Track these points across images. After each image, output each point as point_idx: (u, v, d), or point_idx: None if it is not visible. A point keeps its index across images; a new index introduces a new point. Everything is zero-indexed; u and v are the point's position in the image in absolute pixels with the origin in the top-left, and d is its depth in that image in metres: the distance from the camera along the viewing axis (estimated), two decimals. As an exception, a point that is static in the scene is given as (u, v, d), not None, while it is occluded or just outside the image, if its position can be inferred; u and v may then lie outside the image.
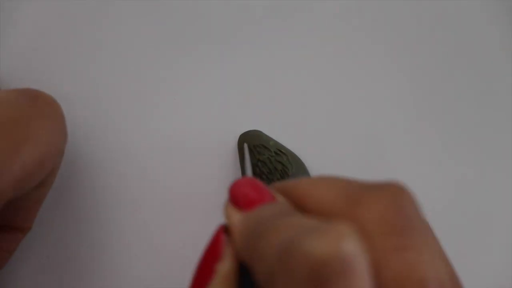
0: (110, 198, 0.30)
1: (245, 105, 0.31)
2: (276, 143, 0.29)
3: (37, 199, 0.26)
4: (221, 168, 0.30)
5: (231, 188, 0.20)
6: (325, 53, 0.31)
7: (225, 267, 0.18)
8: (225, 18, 0.31)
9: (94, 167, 0.30)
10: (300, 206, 0.18)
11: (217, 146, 0.30)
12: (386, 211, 0.16)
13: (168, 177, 0.30)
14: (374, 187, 0.16)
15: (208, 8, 0.31)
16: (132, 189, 0.30)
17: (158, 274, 0.29)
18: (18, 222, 0.27)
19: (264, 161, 0.28)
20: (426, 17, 0.31)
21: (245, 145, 0.29)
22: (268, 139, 0.29)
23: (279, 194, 0.19)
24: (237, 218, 0.19)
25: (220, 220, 0.29)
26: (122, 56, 0.31)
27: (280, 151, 0.29)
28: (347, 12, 0.31)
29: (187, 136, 0.30)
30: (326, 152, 0.30)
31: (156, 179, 0.30)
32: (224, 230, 0.20)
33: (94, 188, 0.30)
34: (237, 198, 0.19)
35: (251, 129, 0.30)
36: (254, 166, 0.28)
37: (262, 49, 0.31)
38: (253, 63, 0.31)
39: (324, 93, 0.31)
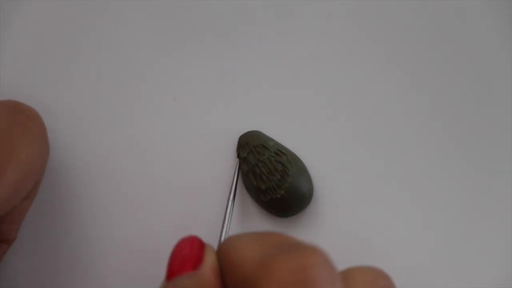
0: (100, 202, 0.30)
1: (245, 105, 0.31)
2: (276, 143, 0.29)
3: (20, 211, 0.27)
4: (220, 169, 0.30)
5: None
6: (325, 53, 0.31)
7: None
8: (224, 18, 0.31)
9: (82, 171, 0.30)
10: (229, 268, 0.18)
11: (217, 146, 0.30)
12: (288, 275, 0.15)
13: (167, 179, 0.30)
14: (285, 250, 0.16)
15: (207, 9, 0.31)
16: (126, 193, 0.30)
17: (150, 279, 0.29)
18: (3, 234, 0.27)
19: (264, 161, 0.28)
20: (426, 17, 0.31)
21: (237, 161, 0.29)
22: (268, 139, 0.29)
23: (213, 254, 0.19)
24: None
25: (219, 223, 0.29)
26: (121, 56, 0.31)
27: (280, 151, 0.29)
28: (347, 12, 0.31)
29: (187, 136, 0.30)
30: (326, 152, 0.30)
31: (153, 181, 0.30)
32: None
33: (81, 192, 0.30)
34: (168, 264, 0.20)
35: (251, 129, 0.30)
36: (254, 166, 0.28)
37: (262, 49, 0.31)
38: (253, 63, 0.31)
39: (325, 93, 0.31)
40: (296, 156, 0.29)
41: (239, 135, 0.30)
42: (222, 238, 0.26)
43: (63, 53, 0.31)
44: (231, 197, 0.28)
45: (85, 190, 0.30)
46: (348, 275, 0.18)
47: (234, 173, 0.29)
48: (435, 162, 0.30)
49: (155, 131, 0.30)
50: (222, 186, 0.30)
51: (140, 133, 0.30)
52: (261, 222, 0.29)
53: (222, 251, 0.19)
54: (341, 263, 0.20)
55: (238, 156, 0.29)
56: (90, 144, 0.30)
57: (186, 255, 0.19)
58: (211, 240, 0.29)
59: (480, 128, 0.30)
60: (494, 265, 0.29)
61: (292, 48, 0.31)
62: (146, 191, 0.30)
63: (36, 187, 0.27)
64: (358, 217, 0.29)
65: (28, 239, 0.30)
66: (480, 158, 0.30)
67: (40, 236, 0.30)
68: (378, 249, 0.29)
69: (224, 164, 0.30)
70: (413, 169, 0.30)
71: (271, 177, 0.28)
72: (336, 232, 0.29)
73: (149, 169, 0.30)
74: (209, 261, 0.19)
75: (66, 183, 0.30)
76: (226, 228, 0.27)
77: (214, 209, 0.29)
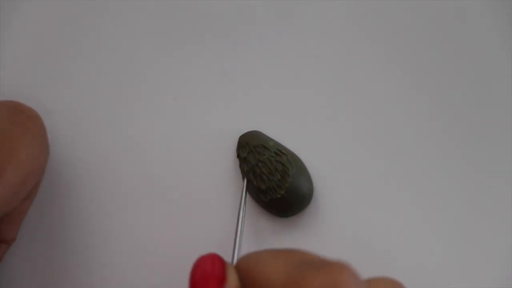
0: (100, 202, 0.30)
1: (245, 105, 0.31)
2: (276, 143, 0.29)
3: (20, 211, 0.27)
4: (220, 169, 0.30)
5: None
6: (325, 53, 0.31)
7: None
8: (224, 18, 0.31)
9: (82, 171, 0.30)
10: (253, 286, 0.18)
11: (217, 147, 0.30)
12: None
13: (167, 179, 0.30)
14: (315, 268, 0.17)
15: (207, 9, 0.31)
16: (126, 192, 0.30)
17: (151, 278, 0.29)
18: (2, 234, 0.27)
19: (264, 162, 0.28)
20: (426, 17, 0.31)
21: (245, 180, 0.29)
22: (268, 139, 0.29)
23: (235, 273, 0.19)
24: None
25: (219, 222, 0.29)
26: (121, 56, 0.31)
27: (280, 151, 0.29)
28: (347, 12, 0.31)
29: (187, 136, 0.30)
30: (326, 152, 0.30)
31: (153, 181, 0.30)
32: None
33: (81, 192, 0.30)
34: (191, 279, 0.20)
35: (251, 129, 0.30)
36: (254, 166, 0.28)
37: (262, 49, 0.31)
38: (253, 63, 0.31)
39: (325, 93, 0.31)
40: (296, 156, 0.29)
41: (239, 135, 0.30)
42: (235, 254, 0.26)
43: (63, 53, 0.31)
44: (241, 214, 0.27)
45: (85, 190, 0.30)
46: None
47: (242, 191, 0.29)
48: (435, 162, 0.30)
49: (155, 131, 0.30)
50: (222, 186, 0.30)
51: (140, 133, 0.30)
52: (261, 222, 0.29)
53: (242, 269, 0.19)
54: (341, 263, 0.20)
55: (238, 156, 0.29)
56: (90, 144, 0.30)
57: (208, 271, 0.19)
58: (210, 241, 0.29)
59: (480, 128, 0.30)
60: (494, 265, 0.29)
61: (292, 48, 0.31)
62: (146, 191, 0.30)
63: (36, 187, 0.27)
64: (358, 217, 0.29)
65: (28, 239, 0.29)
66: (480, 158, 0.30)
67: (40, 236, 0.30)
68: (378, 249, 0.29)
69: (224, 164, 0.30)
70: (413, 169, 0.30)
71: (271, 177, 0.28)
72: (336, 232, 0.29)
73: (149, 169, 0.30)
74: (233, 282, 0.19)
75: (66, 183, 0.30)
76: (239, 243, 0.26)
77: (214, 209, 0.29)
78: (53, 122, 0.30)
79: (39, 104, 0.29)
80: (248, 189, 0.29)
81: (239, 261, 0.20)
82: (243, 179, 0.29)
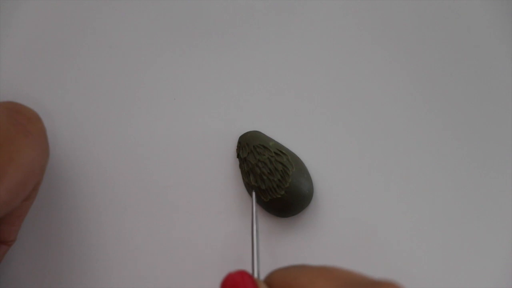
0: (100, 203, 0.30)
1: (245, 105, 0.31)
2: (276, 143, 0.29)
3: (20, 212, 0.27)
4: (220, 169, 0.30)
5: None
6: (325, 53, 0.31)
7: None
8: (224, 18, 0.31)
9: (82, 172, 0.30)
10: None
11: (217, 147, 0.30)
12: None
13: (167, 179, 0.30)
14: None
15: (207, 9, 0.31)
16: (126, 193, 0.30)
17: (151, 278, 0.29)
18: (2, 235, 0.27)
19: (264, 162, 0.28)
20: (426, 17, 0.31)
21: (253, 193, 0.28)
22: (268, 139, 0.29)
23: None
24: None
25: (219, 224, 0.29)
26: (121, 56, 0.31)
27: (280, 151, 0.29)
28: (347, 12, 0.31)
29: (187, 137, 0.30)
30: (326, 152, 0.30)
31: (153, 181, 0.30)
32: None
33: (81, 193, 0.30)
34: None
35: (251, 129, 0.30)
36: (254, 166, 0.28)
37: (262, 49, 0.31)
38: (253, 63, 0.31)
39: (325, 93, 0.31)
40: (296, 156, 0.29)
41: (239, 135, 0.30)
42: (255, 269, 0.25)
43: (63, 53, 0.31)
44: (255, 227, 0.26)
45: (85, 190, 0.30)
46: None
47: (252, 206, 0.28)
48: (435, 162, 0.30)
49: (155, 131, 0.30)
50: (222, 186, 0.30)
51: (140, 134, 0.30)
52: (261, 222, 0.29)
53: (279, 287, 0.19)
54: (341, 263, 0.20)
55: (238, 156, 0.29)
56: (90, 145, 0.30)
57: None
58: (210, 241, 0.29)
59: (480, 128, 0.30)
60: (494, 265, 0.29)
61: (292, 48, 0.31)
62: (146, 192, 0.30)
63: (36, 188, 0.27)
64: (358, 217, 0.29)
65: (28, 240, 0.29)
66: (480, 158, 0.30)
67: (40, 237, 0.30)
68: (378, 249, 0.29)
69: (224, 165, 0.30)
70: (413, 169, 0.30)
71: (271, 177, 0.28)
72: (336, 232, 0.29)
73: (149, 170, 0.30)
74: None
75: (66, 184, 0.30)
76: (257, 257, 0.25)
77: (214, 209, 0.29)
78: (53, 123, 0.30)
79: (39, 104, 0.29)
80: (248, 189, 0.29)
81: (270, 278, 0.19)
82: (251, 193, 0.29)
